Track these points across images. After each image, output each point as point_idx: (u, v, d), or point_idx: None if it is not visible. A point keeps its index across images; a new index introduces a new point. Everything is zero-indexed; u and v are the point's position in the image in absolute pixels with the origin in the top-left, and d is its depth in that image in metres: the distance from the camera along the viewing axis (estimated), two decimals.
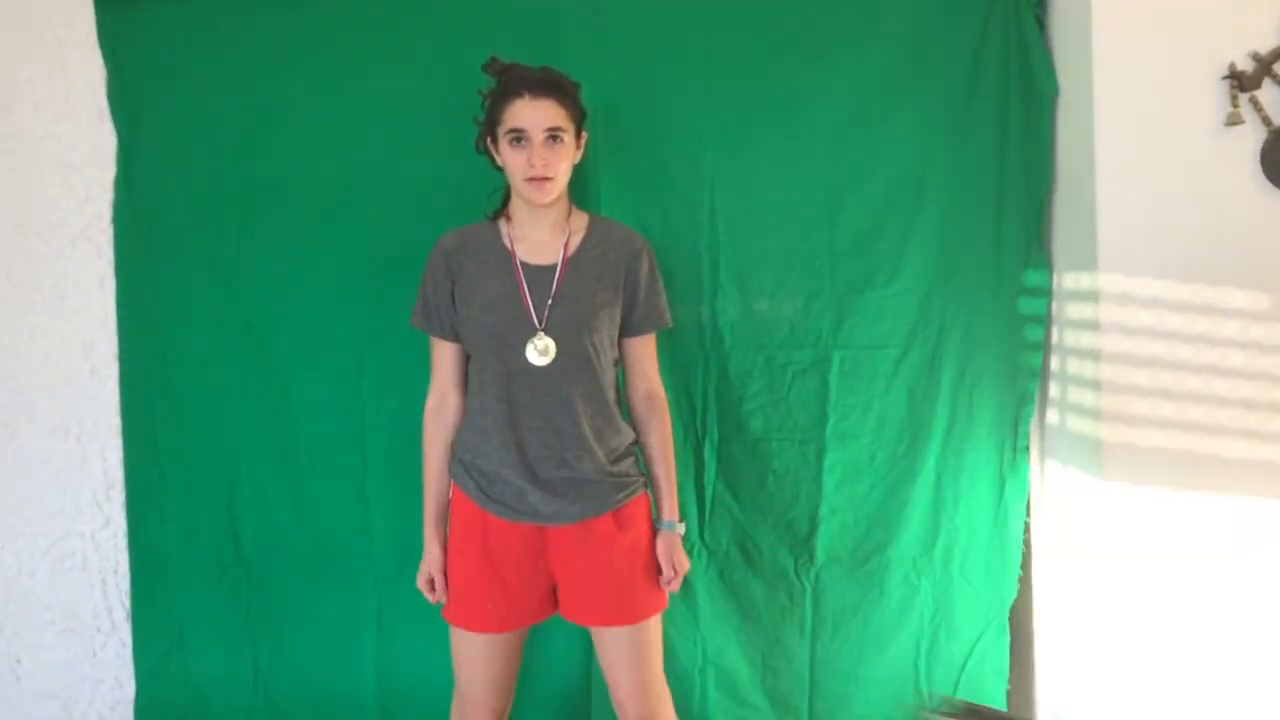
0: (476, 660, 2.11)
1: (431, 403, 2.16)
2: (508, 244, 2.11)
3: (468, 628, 2.10)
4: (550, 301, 2.06)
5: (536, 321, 2.05)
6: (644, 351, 2.20)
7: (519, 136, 2.01)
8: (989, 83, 2.39)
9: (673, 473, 2.20)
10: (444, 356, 2.15)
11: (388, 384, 2.41)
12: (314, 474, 2.46)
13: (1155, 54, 2.19)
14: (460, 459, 2.12)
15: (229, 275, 2.44)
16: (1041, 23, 2.38)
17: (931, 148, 2.40)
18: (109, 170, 2.46)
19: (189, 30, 2.41)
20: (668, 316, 2.21)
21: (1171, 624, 2.22)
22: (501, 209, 2.17)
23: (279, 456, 2.46)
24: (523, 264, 2.09)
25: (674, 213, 2.41)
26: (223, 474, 2.47)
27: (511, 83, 2.02)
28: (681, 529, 2.18)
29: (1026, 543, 2.47)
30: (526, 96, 2.00)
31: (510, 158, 2.03)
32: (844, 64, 2.40)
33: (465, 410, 2.14)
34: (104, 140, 2.46)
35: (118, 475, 2.50)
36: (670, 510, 2.17)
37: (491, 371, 2.06)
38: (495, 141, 2.06)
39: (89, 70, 2.45)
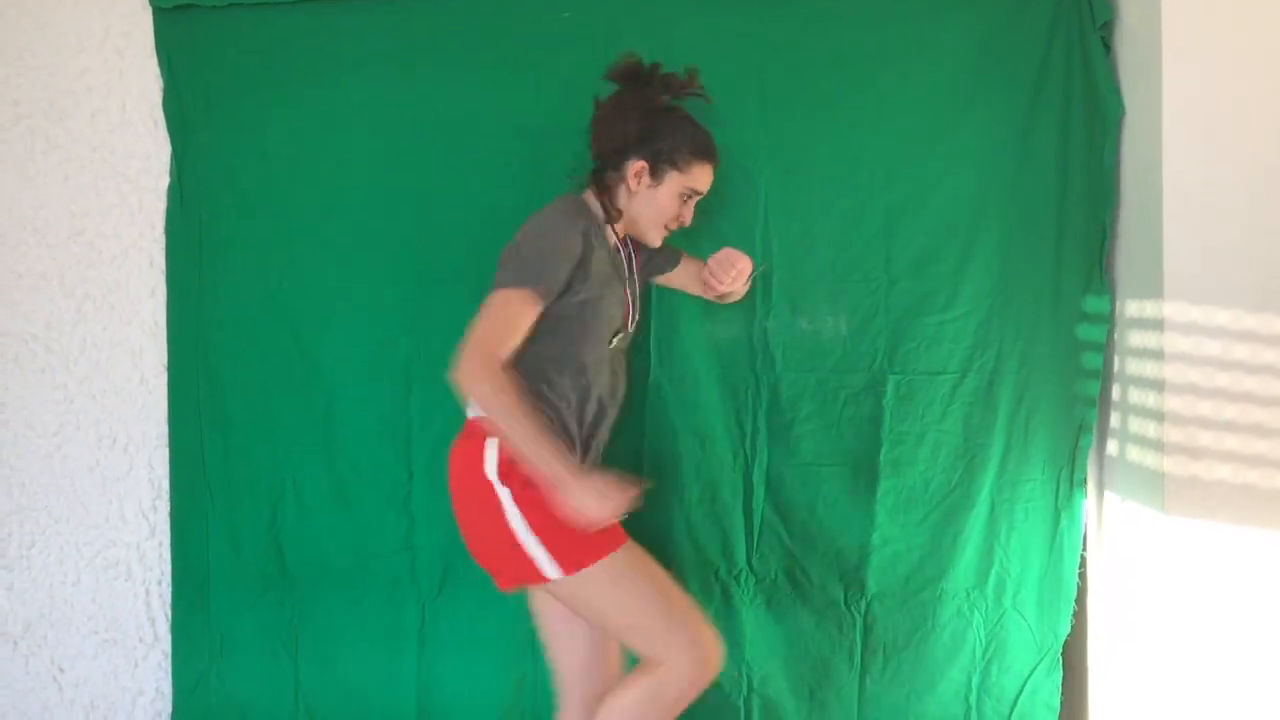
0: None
1: (500, 368, 1.86)
2: (611, 239, 2.11)
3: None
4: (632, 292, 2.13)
5: (631, 319, 2.12)
6: None
7: (690, 196, 2.11)
8: (1051, 103, 2.34)
9: None
10: (528, 320, 1.93)
11: (434, 400, 2.37)
12: (359, 488, 2.45)
13: (1226, 76, 2.13)
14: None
15: (278, 288, 2.44)
16: (1107, 43, 2.33)
17: (991, 169, 2.35)
18: (162, 180, 2.47)
19: (245, 42, 2.43)
20: None
21: (1231, 666, 2.15)
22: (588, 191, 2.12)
23: (324, 470, 2.45)
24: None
25: (726, 230, 2.38)
26: (268, 487, 2.46)
27: (707, 146, 2.10)
28: None
29: (1082, 577, 2.40)
30: (710, 166, 2.12)
31: (668, 206, 2.09)
32: (902, 84, 2.36)
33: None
34: (158, 150, 2.48)
35: (164, 485, 2.51)
36: None
37: (594, 353, 2.02)
38: (655, 173, 2.06)
39: (145, 80, 2.47)
